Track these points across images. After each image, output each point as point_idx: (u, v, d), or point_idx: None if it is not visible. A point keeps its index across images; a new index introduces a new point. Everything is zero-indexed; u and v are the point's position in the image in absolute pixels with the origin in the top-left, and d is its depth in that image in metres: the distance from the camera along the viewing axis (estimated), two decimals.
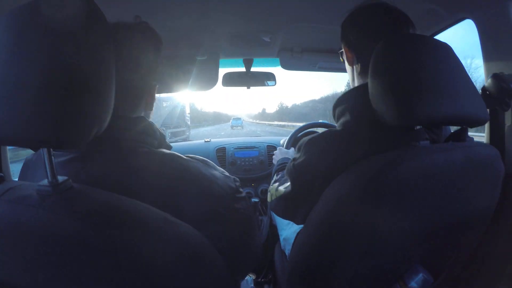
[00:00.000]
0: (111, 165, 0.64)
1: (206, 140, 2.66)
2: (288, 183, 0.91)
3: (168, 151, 0.74)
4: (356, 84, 0.94)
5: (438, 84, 0.71)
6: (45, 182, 0.47)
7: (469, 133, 0.84)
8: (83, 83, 0.46)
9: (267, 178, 2.39)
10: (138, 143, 0.70)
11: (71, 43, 0.46)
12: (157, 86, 0.84)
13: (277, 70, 2.24)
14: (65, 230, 0.44)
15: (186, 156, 0.76)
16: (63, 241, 0.44)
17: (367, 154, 0.75)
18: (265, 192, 2.33)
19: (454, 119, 0.74)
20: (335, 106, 0.89)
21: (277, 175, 1.34)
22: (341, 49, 0.99)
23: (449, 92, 0.71)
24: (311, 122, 2.16)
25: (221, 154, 2.43)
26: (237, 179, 0.87)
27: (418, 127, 0.76)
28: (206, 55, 1.67)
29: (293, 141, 2.03)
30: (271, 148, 2.46)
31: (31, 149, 0.59)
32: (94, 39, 0.50)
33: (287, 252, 1.34)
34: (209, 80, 1.68)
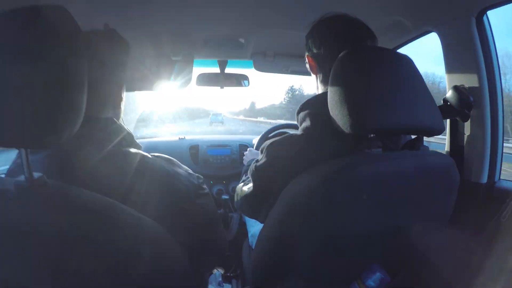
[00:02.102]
0: (79, 163, 0.68)
1: (180, 137, 2.66)
2: (251, 184, 0.95)
3: (134, 150, 0.77)
4: (319, 92, 0.98)
5: (391, 96, 0.73)
6: (22, 177, 0.51)
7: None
8: (56, 89, 0.49)
9: (238, 176, 2.40)
10: (107, 142, 0.73)
11: (46, 50, 0.49)
12: (124, 86, 0.87)
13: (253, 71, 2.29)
14: (39, 221, 0.48)
15: (152, 155, 0.80)
16: (37, 231, 0.48)
17: (324, 159, 0.77)
18: (235, 189, 2.36)
19: (405, 128, 0.77)
20: (298, 111, 0.91)
21: (245, 176, 1.36)
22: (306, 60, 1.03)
23: (403, 103, 0.74)
24: (282, 123, 2.21)
25: (194, 151, 2.45)
26: (201, 176, 0.91)
27: (371, 135, 0.78)
28: (180, 56, 1.70)
29: (264, 140, 2.07)
30: (243, 147, 2.49)
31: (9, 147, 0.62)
32: (68, 47, 0.53)
33: None
34: (183, 80, 1.71)
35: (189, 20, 1.43)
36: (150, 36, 1.56)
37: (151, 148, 2.49)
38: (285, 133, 2.45)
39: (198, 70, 2.01)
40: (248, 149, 1.84)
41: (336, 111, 0.75)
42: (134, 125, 2.64)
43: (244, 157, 1.81)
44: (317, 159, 0.79)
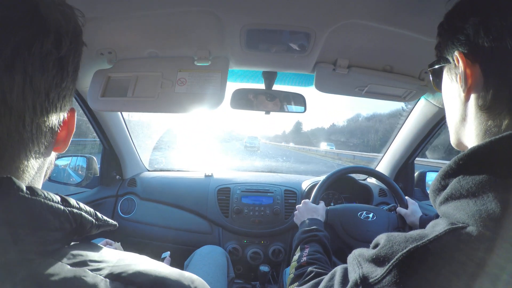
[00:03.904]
0: None
1: (207, 173, 2.09)
2: None
3: (72, 271, 0.36)
4: (473, 127, 0.54)
5: None
6: None
7: None
8: None
9: (282, 235, 1.82)
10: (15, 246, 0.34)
11: None
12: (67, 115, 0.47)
13: (306, 90, 1.65)
14: None
15: (131, 272, 0.40)
16: None
17: None
18: (277, 253, 1.76)
19: None
20: (449, 173, 0.50)
21: (301, 251, 1.01)
22: (442, 61, 0.59)
23: None
24: (352, 166, 1.61)
25: (223, 197, 1.87)
26: None
27: None
28: (209, 60, 1.12)
29: (324, 190, 1.46)
30: (290, 194, 1.89)
31: None
32: None
33: None
34: (212, 97, 1.12)
35: None
36: (161, 22, 1.02)
37: (167, 186, 2.04)
38: (351, 179, 1.85)
39: (232, 85, 1.43)
40: (302, 201, 1.39)
41: None
42: (150, 154, 2.17)
43: (295, 212, 1.36)
44: None
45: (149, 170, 2.25)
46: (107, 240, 1.13)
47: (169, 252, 1.33)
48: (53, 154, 0.49)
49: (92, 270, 0.37)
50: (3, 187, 0.35)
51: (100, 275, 0.37)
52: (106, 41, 1.10)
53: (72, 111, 0.48)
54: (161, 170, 2.30)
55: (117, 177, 2.03)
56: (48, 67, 0.39)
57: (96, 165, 1.99)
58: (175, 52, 1.16)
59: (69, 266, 0.37)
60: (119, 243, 1.10)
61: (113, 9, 0.91)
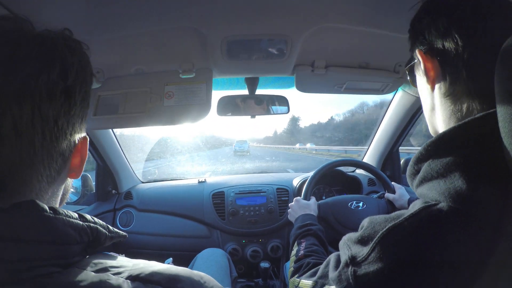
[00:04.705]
0: None
1: (200, 179, 2.14)
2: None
3: (97, 276, 0.40)
4: (440, 113, 0.61)
5: None
6: None
7: None
8: None
9: (279, 232, 1.88)
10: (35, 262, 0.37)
11: None
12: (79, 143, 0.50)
13: (289, 92, 1.71)
14: None
15: (148, 272, 0.44)
16: None
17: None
18: (276, 249, 1.82)
19: None
20: (420, 159, 0.56)
21: (298, 246, 1.04)
22: (412, 60, 0.66)
23: None
24: (338, 159, 1.66)
25: (218, 201, 1.92)
26: None
27: None
28: (193, 72, 1.18)
29: (313, 186, 1.52)
30: (283, 191, 1.95)
31: None
32: None
33: None
34: (199, 107, 1.17)
35: (205, 13, 0.93)
36: (147, 40, 1.07)
37: (163, 193, 2.09)
38: (340, 172, 1.90)
39: (217, 93, 1.47)
40: (294, 199, 1.42)
41: None
42: (142, 167, 2.19)
43: (289, 210, 1.39)
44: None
45: (143, 182, 2.29)
46: (111, 253, 1.16)
47: (171, 259, 1.37)
48: (69, 181, 0.52)
49: (114, 274, 0.42)
50: (29, 209, 0.39)
51: (122, 277, 0.42)
52: (94, 61, 1.13)
53: (84, 139, 0.50)
54: (155, 181, 2.34)
55: (113, 191, 2.06)
56: (55, 96, 0.42)
57: (91, 182, 2.01)
58: (161, 67, 1.21)
59: (93, 273, 0.41)
60: (123, 255, 1.13)
61: (98, 30, 0.95)
